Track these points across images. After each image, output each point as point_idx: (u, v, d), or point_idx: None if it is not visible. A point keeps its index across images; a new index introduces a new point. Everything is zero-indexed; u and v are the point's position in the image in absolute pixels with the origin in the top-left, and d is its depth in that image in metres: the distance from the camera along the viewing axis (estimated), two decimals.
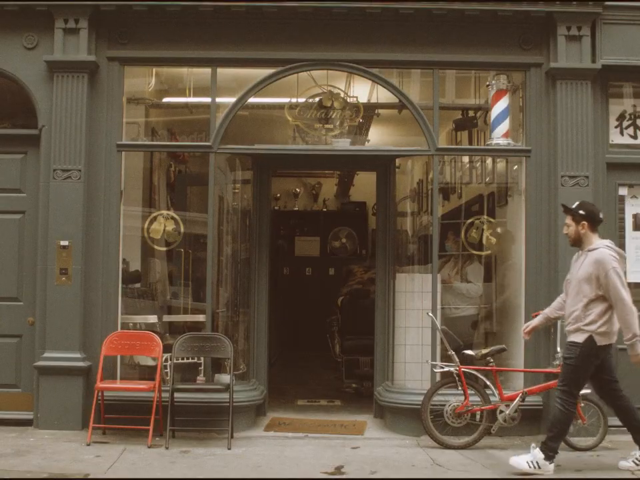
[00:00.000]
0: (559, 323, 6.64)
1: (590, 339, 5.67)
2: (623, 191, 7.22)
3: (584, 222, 5.80)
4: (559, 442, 5.75)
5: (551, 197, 6.97)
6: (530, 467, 5.65)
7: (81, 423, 6.70)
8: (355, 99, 7.39)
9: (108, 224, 6.98)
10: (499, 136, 7.18)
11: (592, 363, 5.75)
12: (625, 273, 5.95)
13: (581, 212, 5.83)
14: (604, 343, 5.71)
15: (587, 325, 5.69)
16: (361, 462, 5.98)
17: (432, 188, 7.22)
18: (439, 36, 7.04)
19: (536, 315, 6.85)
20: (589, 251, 5.77)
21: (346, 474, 5.68)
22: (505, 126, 7.18)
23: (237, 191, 8.21)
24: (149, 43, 7.04)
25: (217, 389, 6.73)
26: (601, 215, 5.91)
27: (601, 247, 5.75)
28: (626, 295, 5.63)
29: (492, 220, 7.40)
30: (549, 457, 5.69)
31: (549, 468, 5.68)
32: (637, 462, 5.84)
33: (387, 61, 7.13)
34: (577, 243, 5.88)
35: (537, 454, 5.70)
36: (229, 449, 6.30)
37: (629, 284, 7.11)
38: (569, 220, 5.91)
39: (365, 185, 12.04)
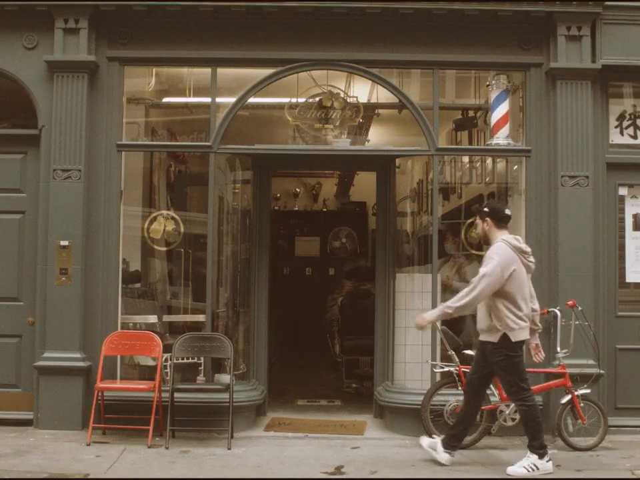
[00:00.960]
0: (559, 322, 6.65)
1: (504, 337, 5.70)
2: (623, 191, 7.22)
3: (487, 218, 5.92)
4: (542, 436, 5.76)
5: (551, 197, 6.97)
6: (529, 471, 5.65)
7: (80, 423, 6.70)
8: (355, 98, 7.39)
9: (108, 224, 6.98)
10: (499, 134, 7.19)
11: (517, 358, 5.75)
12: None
13: (485, 209, 5.99)
14: (520, 338, 5.74)
15: (497, 322, 5.72)
16: (361, 462, 5.98)
17: (432, 188, 7.22)
18: (439, 36, 7.04)
19: None
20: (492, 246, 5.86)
21: (346, 474, 5.68)
22: (504, 125, 7.19)
23: (237, 190, 8.21)
24: (149, 43, 7.04)
25: (217, 389, 6.73)
26: (507, 212, 5.95)
27: (499, 240, 5.82)
28: (480, 291, 5.62)
29: None
30: (541, 454, 5.70)
31: (547, 466, 5.69)
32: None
33: (387, 60, 7.13)
34: (485, 240, 6.01)
35: (530, 456, 5.70)
36: (229, 449, 6.30)
37: (629, 284, 7.18)
38: (477, 219, 6.05)
39: (365, 185, 12.03)
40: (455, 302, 5.76)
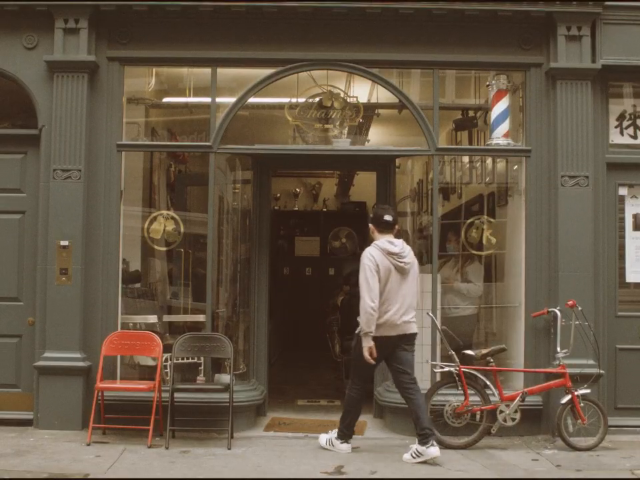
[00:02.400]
0: (559, 323, 6.65)
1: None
2: (623, 191, 7.22)
3: (370, 224, 6.34)
4: (346, 422, 6.31)
5: (551, 197, 6.96)
6: (326, 444, 6.29)
7: (81, 423, 6.70)
8: (355, 99, 7.39)
9: (108, 224, 6.97)
10: (499, 135, 7.18)
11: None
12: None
13: (370, 215, 6.39)
14: (377, 334, 6.02)
15: (360, 317, 6.10)
16: (361, 462, 5.98)
17: (432, 188, 7.22)
18: (439, 36, 7.04)
19: (536, 315, 6.88)
20: None
21: (346, 474, 5.69)
22: (505, 125, 7.19)
23: (237, 190, 8.21)
24: (149, 43, 7.04)
25: (217, 389, 6.73)
26: (386, 217, 6.21)
27: (370, 245, 6.19)
28: (367, 293, 6.02)
29: (492, 220, 7.41)
30: (340, 436, 6.29)
31: (342, 447, 6.24)
32: (415, 454, 6.01)
33: (387, 60, 7.13)
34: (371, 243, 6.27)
35: (332, 436, 6.33)
36: (229, 449, 6.30)
37: (629, 284, 7.18)
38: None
39: (365, 185, 12.03)
40: (362, 323, 6.07)
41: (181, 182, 8.44)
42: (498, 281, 7.66)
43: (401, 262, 6.12)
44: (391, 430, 7.00)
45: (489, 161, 7.76)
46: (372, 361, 6.03)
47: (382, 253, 6.09)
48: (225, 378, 6.88)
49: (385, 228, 6.23)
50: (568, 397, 6.43)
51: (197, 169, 8.19)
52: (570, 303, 6.63)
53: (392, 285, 6.09)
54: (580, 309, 6.61)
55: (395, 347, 6.13)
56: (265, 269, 7.56)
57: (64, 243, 6.81)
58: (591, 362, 6.64)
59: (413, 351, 6.25)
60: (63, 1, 6.81)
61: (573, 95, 6.92)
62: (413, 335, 6.23)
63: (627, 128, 7.26)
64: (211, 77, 7.10)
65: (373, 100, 7.68)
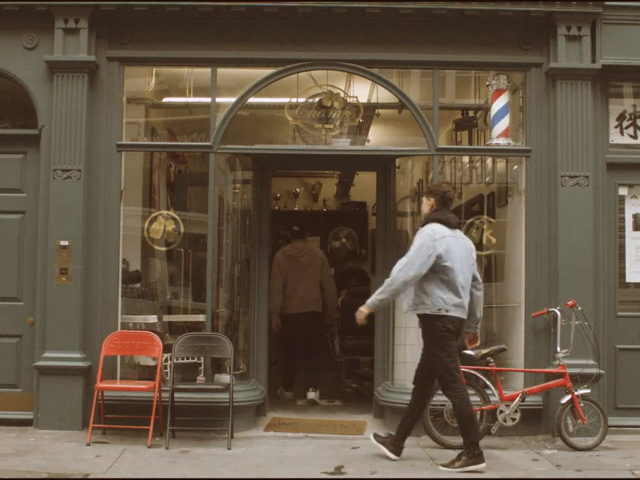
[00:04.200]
0: (559, 323, 6.65)
1: None
2: (623, 191, 7.22)
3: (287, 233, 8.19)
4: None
5: (551, 197, 6.97)
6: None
7: (81, 423, 6.71)
8: (355, 99, 7.39)
9: (108, 224, 6.98)
10: (499, 135, 7.18)
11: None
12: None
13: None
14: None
15: None
16: (361, 462, 5.98)
17: None
18: (439, 36, 7.04)
19: (536, 315, 6.88)
20: None
21: (346, 474, 5.68)
22: (504, 125, 7.18)
23: (237, 190, 8.21)
24: (149, 42, 7.04)
25: (217, 388, 6.74)
26: (295, 227, 8.64)
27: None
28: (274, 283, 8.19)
29: (492, 220, 7.41)
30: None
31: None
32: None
33: (386, 61, 7.13)
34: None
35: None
36: (229, 449, 6.30)
37: (629, 284, 7.18)
38: None
39: (364, 185, 12.02)
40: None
41: (181, 182, 8.44)
42: (498, 281, 7.66)
43: (295, 261, 8.44)
44: (390, 430, 6.99)
45: (489, 160, 7.75)
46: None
47: (282, 254, 8.52)
48: (225, 378, 6.88)
49: (295, 236, 8.73)
50: (568, 397, 6.43)
51: (197, 169, 8.19)
52: (570, 303, 6.63)
53: (288, 280, 8.41)
54: (580, 309, 6.61)
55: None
56: (265, 269, 7.58)
57: (64, 243, 6.81)
58: (591, 362, 6.64)
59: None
60: (63, 0, 6.81)
61: (573, 95, 6.92)
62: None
63: (627, 128, 7.27)
64: (211, 76, 7.10)
65: (373, 100, 7.68)
